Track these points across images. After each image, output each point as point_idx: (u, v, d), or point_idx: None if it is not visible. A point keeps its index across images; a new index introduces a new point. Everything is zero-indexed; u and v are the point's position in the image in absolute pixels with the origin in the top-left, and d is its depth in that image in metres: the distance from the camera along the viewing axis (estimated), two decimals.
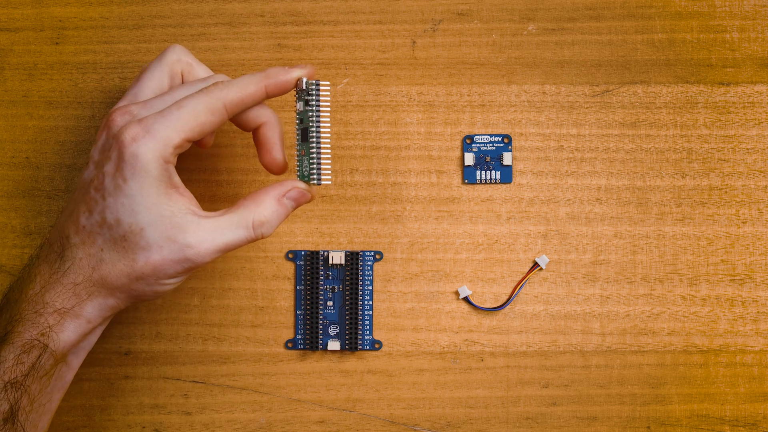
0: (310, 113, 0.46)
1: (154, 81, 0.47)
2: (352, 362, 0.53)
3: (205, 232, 0.44)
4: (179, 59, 0.47)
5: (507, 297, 0.53)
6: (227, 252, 0.45)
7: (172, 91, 0.45)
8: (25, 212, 0.53)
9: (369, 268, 0.52)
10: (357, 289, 0.52)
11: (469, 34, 0.53)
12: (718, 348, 0.53)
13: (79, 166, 0.53)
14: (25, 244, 0.53)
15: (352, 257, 0.52)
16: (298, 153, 0.48)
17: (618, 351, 0.53)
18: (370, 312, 0.52)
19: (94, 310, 0.45)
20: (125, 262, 0.44)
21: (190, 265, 0.44)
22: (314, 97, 0.46)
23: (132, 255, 0.44)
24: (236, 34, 0.53)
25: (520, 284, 0.53)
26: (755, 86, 0.53)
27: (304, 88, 0.46)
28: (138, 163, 0.43)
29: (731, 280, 0.53)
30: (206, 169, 0.53)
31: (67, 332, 0.44)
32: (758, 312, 0.53)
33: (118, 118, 0.44)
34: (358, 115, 0.53)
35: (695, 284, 0.53)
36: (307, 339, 0.52)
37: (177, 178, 0.44)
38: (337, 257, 0.52)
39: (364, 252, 0.53)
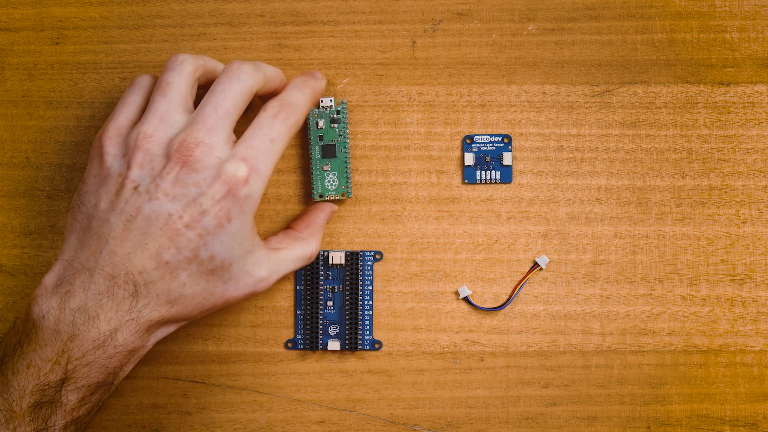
0: (338, 130, 0.51)
1: (180, 94, 0.46)
2: (352, 362, 0.53)
3: (273, 265, 0.46)
4: (195, 68, 0.46)
5: (507, 297, 0.53)
6: None
7: (219, 103, 0.44)
8: (25, 212, 0.53)
9: (369, 268, 0.52)
10: (357, 289, 0.52)
11: (469, 34, 0.53)
12: (718, 348, 0.53)
13: (79, 167, 0.53)
14: (25, 244, 0.53)
15: (352, 257, 0.52)
16: (316, 169, 0.51)
17: (618, 351, 0.53)
18: (370, 312, 0.52)
19: (156, 338, 0.45)
20: (204, 295, 0.44)
21: (253, 296, 0.46)
22: (343, 115, 0.51)
23: (212, 288, 0.44)
24: (236, 34, 0.53)
25: (520, 284, 0.53)
26: (755, 86, 0.53)
27: (329, 105, 0.51)
28: (248, 203, 0.43)
29: (731, 280, 0.53)
30: None
31: (130, 364, 0.45)
32: (758, 312, 0.53)
33: (198, 153, 0.43)
34: (358, 115, 0.53)
35: (695, 284, 0.53)
36: (307, 339, 0.52)
37: None
38: (337, 257, 0.52)
39: (364, 252, 0.53)
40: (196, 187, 0.43)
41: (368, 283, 0.52)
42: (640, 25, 0.53)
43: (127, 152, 0.44)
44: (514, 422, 0.53)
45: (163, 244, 0.42)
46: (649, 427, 0.53)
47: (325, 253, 0.52)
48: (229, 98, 0.45)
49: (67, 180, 0.53)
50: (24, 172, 0.54)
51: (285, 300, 0.53)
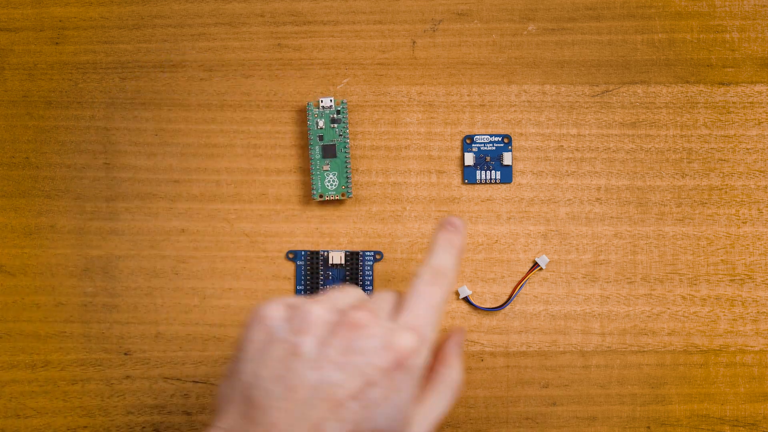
0: (338, 130, 0.51)
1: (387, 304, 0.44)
2: None
3: (421, 418, 0.43)
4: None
5: (507, 297, 0.53)
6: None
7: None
8: (25, 212, 0.53)
9: (369, 268, 0.52)
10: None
11: (469, 34, 0.53)
12: (718, 348, 0.53)
13: (79, 167, 0.53)
14: (25, 244, 0.53)
15: (352, 257, 0.52)
16: (316, 169, 0.51)
17: (618, 351, 0.53)
18: None
19: None
20: None
21: None
22: (343, 115, 0.51)
23: None
24: (236, 34, 0.54)
25: (520, 284, 0.53)
26: (755, 86, 0.53)
27: (329, 105, 0.51)
28: (417, 374, 0.41)
29: (731, 280, 0.53)
30: (206, 169, 0.53)
31: None
32: (758, 312, 0.53)
33: (366, 320, 0.41)
34: (358, 115, 0.53)
35: (695, 284, 0.53)
36: None
37: None
38: (337, 257, 0.52)
39: (364, 252, 0.53)
40: (363, 356, 0.40)
41: (368, 283, 0.52)
42: (640, 25, 0.53)
43: (292, 317, 0.41)
44: (514, 422, 0.53)
45: (324, 416, 0.39)
46: (649, 427, 0.53)
47: (325, 253, 0.52)
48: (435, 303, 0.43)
49: (67, 180, 0.53)
50: (24, 172, 0.54)
51: None
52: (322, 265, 0.52)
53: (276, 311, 0.41)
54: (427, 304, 0.43)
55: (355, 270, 0.52)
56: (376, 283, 0.53)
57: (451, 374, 0.45)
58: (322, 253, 0.52)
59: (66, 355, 0.53)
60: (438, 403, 0.44)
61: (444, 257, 0.45)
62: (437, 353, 0.46)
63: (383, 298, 0.43)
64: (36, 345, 0.53)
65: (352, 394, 0.39)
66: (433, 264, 0.44)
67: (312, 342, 0.40)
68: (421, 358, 0.41)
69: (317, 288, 0.52)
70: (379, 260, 0.53)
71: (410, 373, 0.41)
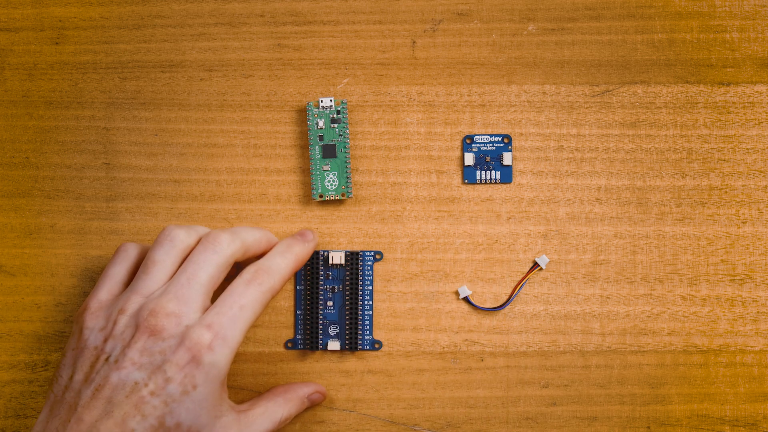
0: (338, 130, 0.51)
1: (167, 272, 0.47)
2: (352, 362, 0.53)
3: (242, 427, 0.46)
4: (187, 244, 0.47)
5: (507, 297, 0.53)
6: None
7: (193, 274, 0.46)
8: (25, 212, 0.53)
9: (369, 268, 0.52)
10: (357, 289, 0.52)
11: (469, 34, 0.53)
12: (718, 348, 0.53)
13: (78, 167, 0.53)
14: (25, 244, 0.53)
15: (352, 257, 0.52)
16: (316, 169, 0.51)
17: (618, 351, 0.53)
18: (370, 312, 0.52)
19: None
20: None
21: None
22: (343, 115, 0.51)
23: None
24: (236, 34, 0.54)
25: (520, 284, 0.53)
26: (755, 86, 0.53)
27: (329, 105, 0.51)
28: (213, 371, 0.44)
29: (731, 280, 0.53)
30: (206, 169, 0.53)
31: None
32: (758, 312, 0.53)
33: (165, 322, 0.44)
34: (358, 115, 0.53)
35: (695, 284, 0.53)
36: (307, 339, 0.52)
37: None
38: (337, 257, 0.52)
39: (364, 252, 0.53)
40: (161, 354, 0.44)
41: (368, 283, 0.52)
42: (640, 25, 0.53)
43: (105, 326, 0.46)
44: (514, 422, 0.53)
45: (129, 412, 0.43)
46: (649, 427, 0.53)
47: (325, 253, 0.52)
48: (203, 269, 0.46)
49: (67, 180, 0.53)
50: (24, 172, 0.54)
51: (285, 300, 0.53)
52: (322, 265, 0.52)
53: (93, 320, 0.46)
54: (234, 303, 0.46)
55: (355, 270, 0.52)
56: (376, 283, 0.53)
57: (284, 407, 0.49)
58: (322, 253, 0.52)
59: None
60: (257, 420, 0.48)
61: (276, 260, 0.48)
62: (288, 390, 0.50)
63: (195, 288, 0.45)
64: (36, 345, 0.53)
65: (152, 391, 0.43)
66: (259, 264, 0.48)
67: (116, 346, 0.44)
68: (219, 356, 0.44)
69: (317, 288, 0.52)
70: (379, 260, 0.53)
71: (206, 369, 0.44)
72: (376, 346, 0.52)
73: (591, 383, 0.53)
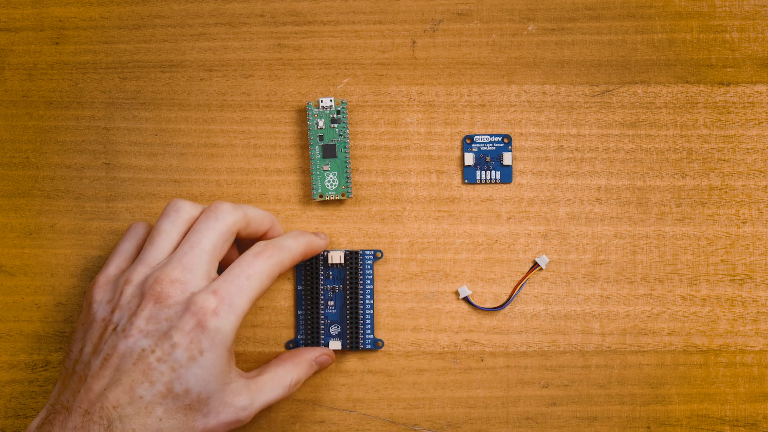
0: (338, 130, 0.51)
1: (173, 241, 0.47)
2: (352, 362, 0.53)
3: (254, 393, 0.47)
4: (191, 215, 0.48)
5: (507, 297, 0.53)
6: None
7: (198, 242, 0.46)
8: (25, 212, 0.53)
9: (369, 267, 0.52)
10: (357, 288, 0.52)
11: (469, 34, 0.53)
12: (718, 348, 0.53)
13: (78, 167, 0.53)
14: (25, 244, 0.53)
15: (352, 256, 0.52)
16: (316, 169, 0.51)
17: (618, 351, 0.53)
18: (371, 311, 0.52)
19: None
20: (183, 429, 0.44)
21: (238, 425, 0.46)
22: (343, 115, 0.51)
23: (191, 422, 0.44)
24: (236, 34, 0.54)
25: (520, 284, 0.53)
26: (755, 86, 0.53)
27: (329, 105, 0.51)
28: (219, 336, 0.44)
29: (731, 280, 0.53)
30: (206, 169, 0.53)
31: None
32: (758, 312, 0.53)
33: (170, 288, 0.45)
34: (358, 115, 0.53)
35: (695, 284, 0.53)
36: (309, 339, 0.52)
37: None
38: (336, 257, 0.52)
39: (363, 251, 0.53)
40: (167, 321, 0.44)
41: (369, 282, 0.52)
42: (640, 25, 0.53)
43: (113, 298, 0.46)
44: (514, 422, 0.53)
45: (137, 379, 0.43)
46: (649, 427, 0.53)
47: (325, 253, 0.52)
48: (207, 237, 0.46)
49: (67, 180, 0.53)
50: (24, 172, 0.54)
51: (285, 300, 0.53)
52: (322, 265, 0.52)
53: (101, 294, 0.46)
54: (242, 272, 0.46)
55: (355, 269, 0.52)
56: (376, 283, 0.53)
57: (293, 371, 0.49)
58: (322, 253, 0.52)
59: None
60: (270, 388, 0.48)
61: (288, 240, 0.49)
62: (295, 355, 0.50)
63: (199, 255, 0.46)
64: (36, 345, 0.53)
65: (159, 357, 0.43)
66: (272, 240, 0.48)
67: (123, 316, 0.45)
68: (224, 322, 0.44)
69: (317, 288, 0.52)
70: (379, 258, 0.53)
71: (211, 335, 0.44)
72: (378, 344, 0.52)
73: (591, 383, 0.53)
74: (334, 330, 0.52)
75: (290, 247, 0.48)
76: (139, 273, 0.46)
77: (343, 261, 0.52)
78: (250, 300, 0.45)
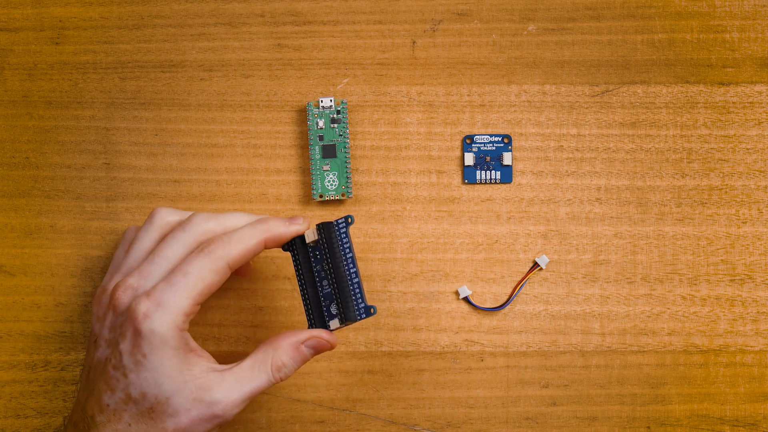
0: (338, 130, 0.51)
1: (145, 249, 0.48)
2: (352, 362, 0.53)
3: (230, 385, 0.45)
4: (167, 222, 0.48)
5: (507, 297, 0.53)
6: (253, 398, 0.46)
7: (161, 251, 0.46)
8: (25, 212, 0.53)
9: (344, 234, 0.49)
10: (337, 256, 0.49)
11: (469, 34, 0.53)
12: (718, 348, 0.53)
13: (78, 167, 0.53)
14: (25, 244, 0.53)
15: (325, 228, 0.49)
16: (316, 169, 0.50)
17: (618, 351, 0.53)
18: (357, 279, 0.49)
19: None
20: (153, 431, 0.44)
21: (219, 421, 0.45)
22: (343, 115, 0.51)
23: (161, 424, 0.44)
24: (236, 34, 0.54)
25: (520, 284, 0.53)
26: (755, 86, 0.53)
27: (329, 105, 0.51)
28: (155, 338, 0.44)
29: (731, 280, 0.53)
30: (206, 169, 0.53)
31: None
32: (758, 312, 0.53)
33: (122, 296, 0.45)
34: (358, 115, 0.53)
35: (695, 284, 0.53)
36: (317, 325, 0.49)
37: (193, 342, 0.46)
38: (311, 234, 0.49)
39: (336, 221, 0.49)
40: (120, 328, 0.45)
41: (348, 250, 0.49)
42: (640, 25, 0.53)
43: (99, 310, 0.47)
44: (514, 422, 0.53)
45: (101, 388, 0.45)
46: (649, 427, 0.53)
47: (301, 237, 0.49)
48: (171, 247, 0.46)
49: (67, 180, 0.53)
50: (24, 172, 0.54)
51: (285, 300, 0.53)
52: (309, 249, 0.49)
53: (96, 308, 0.47)
54: (179, 271, 0.45)
55: (330, 240, 0.48)
56: (376, 282, 0.53)
57: (273, 355, 0.47)
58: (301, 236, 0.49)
59: (66, 355, 0.53)
60: (249, 377, 0.46)
61: (242, 232, 0.46)
62: (275, 338, 0.47)
63: (160, 264, 0.46)
64: (36, 345, 0.53)
65: (114, 365, 0.44)
66: (220, 234, 0.47)
67: (100, 327, 0.46)
68: (157, 323, 0.44)
69: (310, 271, 0.49)
70: (351, 224, 0.49)
71: (148, 338, 0.44)
72: (371, 311, 0.49)
73: (591, 383, 0.53)
74: (334, 309, 0.50)
75: (242, 240, 0.46)
76: (114, 282, 0.47)
77: (317, 237, 0.49)
78: (190, 297, 0.44)
